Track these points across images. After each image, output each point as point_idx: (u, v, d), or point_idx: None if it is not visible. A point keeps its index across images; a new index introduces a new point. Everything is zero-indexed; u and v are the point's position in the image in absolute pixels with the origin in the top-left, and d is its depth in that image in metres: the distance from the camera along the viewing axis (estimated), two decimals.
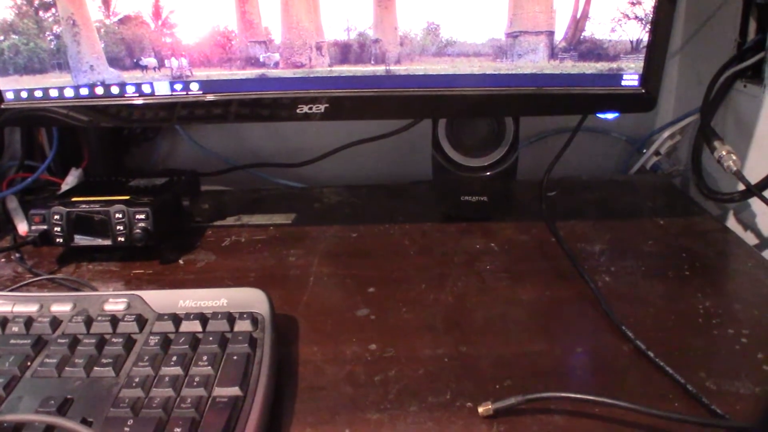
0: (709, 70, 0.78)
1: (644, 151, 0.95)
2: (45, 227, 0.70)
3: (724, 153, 0.72)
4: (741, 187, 0.71)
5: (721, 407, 0.46)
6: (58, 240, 0.70)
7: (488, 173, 0.75)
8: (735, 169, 0.70)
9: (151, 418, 0.43)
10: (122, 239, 0.69)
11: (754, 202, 0.74)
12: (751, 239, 0.74)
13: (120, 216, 0.69)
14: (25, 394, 0.47)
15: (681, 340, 0.55)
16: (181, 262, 0.72)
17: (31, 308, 0.56)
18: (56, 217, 0.70)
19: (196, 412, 0.44)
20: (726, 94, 0.78)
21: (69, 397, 0.46)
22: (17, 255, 0.74)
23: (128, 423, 0.43)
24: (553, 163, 0.74)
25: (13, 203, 0.83)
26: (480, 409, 0.46)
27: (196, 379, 0.46)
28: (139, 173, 0.83)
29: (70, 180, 0.86)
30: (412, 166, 0.93)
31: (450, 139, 0.75)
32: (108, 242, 0.70)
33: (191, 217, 0.81)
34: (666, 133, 0.91)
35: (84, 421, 0.43)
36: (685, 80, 0.92)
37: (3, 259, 0.74)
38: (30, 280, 0.68)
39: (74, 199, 0.72)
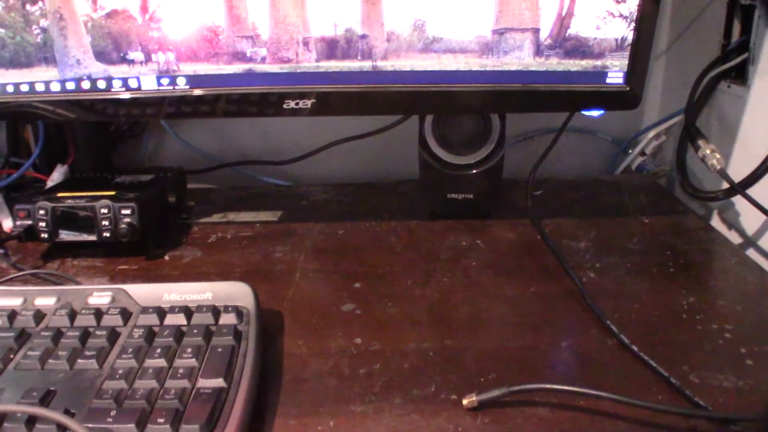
0: (693, 72, 0.79)
1: (630, 151, 0.95)
2: (30, 222, 0.70)
3: (708, 152, 0.73)
4: (725, 185, 0.72)
5: (704, 400, 0.46)
6: (43, 235, 0.70)
7: (474, 171, 0.75)
8: (719, 167, 0.71)
9: (134, 408, 0.43)
10: (107, 234, 0.69)
11: (738, 201, 0.74)
12: (734, 238, 0.74)
13: (105, 211, 0.69)
14: (7, 386, 0.46)
15: (665, 335, 0.55)
16: (166, 258, 0.72)
17: (15, 302, 0.55)
18: (41, 212, 0.69)
19: (179, 403, 0.43)
20: (710, 94, 0.79)
21: (52, 389, 0.46)
22: (1, 251, 0.73)
23: (111, 414, 0.43)
24: (539, 161, 0.74)
25: None
26: (464, 401, 0.46)
27: (180, 370, 0.46)
28: (125, 170, 0.83)
29: (56, 176, 0.85)
30: (398, 166, 0.93)
31: (436, 136, 0.75)
32: (93, 237, 0.70)
33: (177, 214, 0.81)
34: (651, 134, 0.92)
35: (67, 412, 0.43)
36: (670, 81, 0.92)
37: None
38: (14, 275, 0.67)
39: (60, 194, 0.72)
